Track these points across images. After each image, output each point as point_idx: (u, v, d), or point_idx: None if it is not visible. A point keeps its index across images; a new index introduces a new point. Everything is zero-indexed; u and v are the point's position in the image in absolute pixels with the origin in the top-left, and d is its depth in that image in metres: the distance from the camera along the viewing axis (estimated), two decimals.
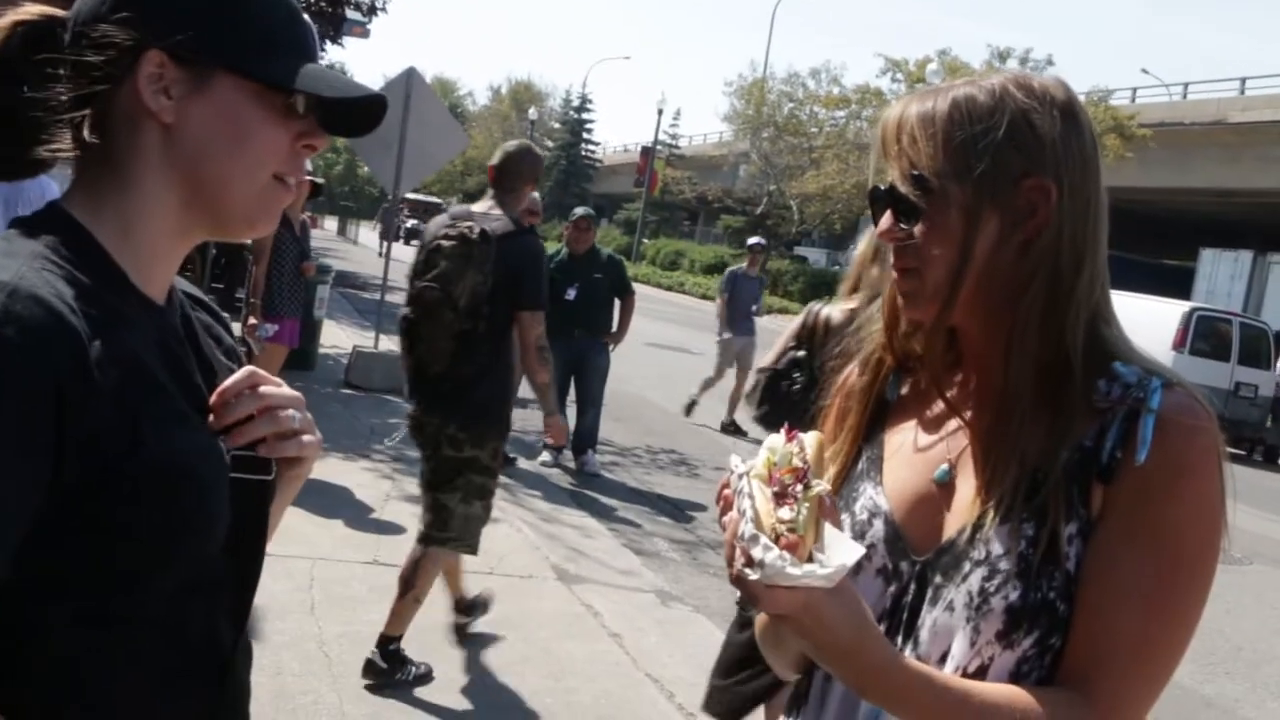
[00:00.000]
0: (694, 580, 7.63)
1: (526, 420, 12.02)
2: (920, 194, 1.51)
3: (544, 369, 5.38)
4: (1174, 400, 1.45)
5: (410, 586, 5.21)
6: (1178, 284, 30.13)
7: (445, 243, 5.14)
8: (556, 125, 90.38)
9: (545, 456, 10.63)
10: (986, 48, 43.14)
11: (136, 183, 1.39)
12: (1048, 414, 1.50)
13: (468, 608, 5.81)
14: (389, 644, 5.13)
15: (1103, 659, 1.41)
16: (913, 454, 1.64)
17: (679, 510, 9.66)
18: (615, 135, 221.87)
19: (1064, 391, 1.49)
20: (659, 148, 60.19)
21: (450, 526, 5.24)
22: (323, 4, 16.12)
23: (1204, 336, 21.24)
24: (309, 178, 7.71)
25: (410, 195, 60.90)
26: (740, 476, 1.40)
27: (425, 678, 5.17)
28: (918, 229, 1.52)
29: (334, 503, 7.44)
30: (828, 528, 1.38)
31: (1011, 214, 1.50)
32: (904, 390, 1.71)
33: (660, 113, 55.86)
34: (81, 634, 1.28)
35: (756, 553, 1.30)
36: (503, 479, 9.27)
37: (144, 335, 1.35)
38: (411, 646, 5.27)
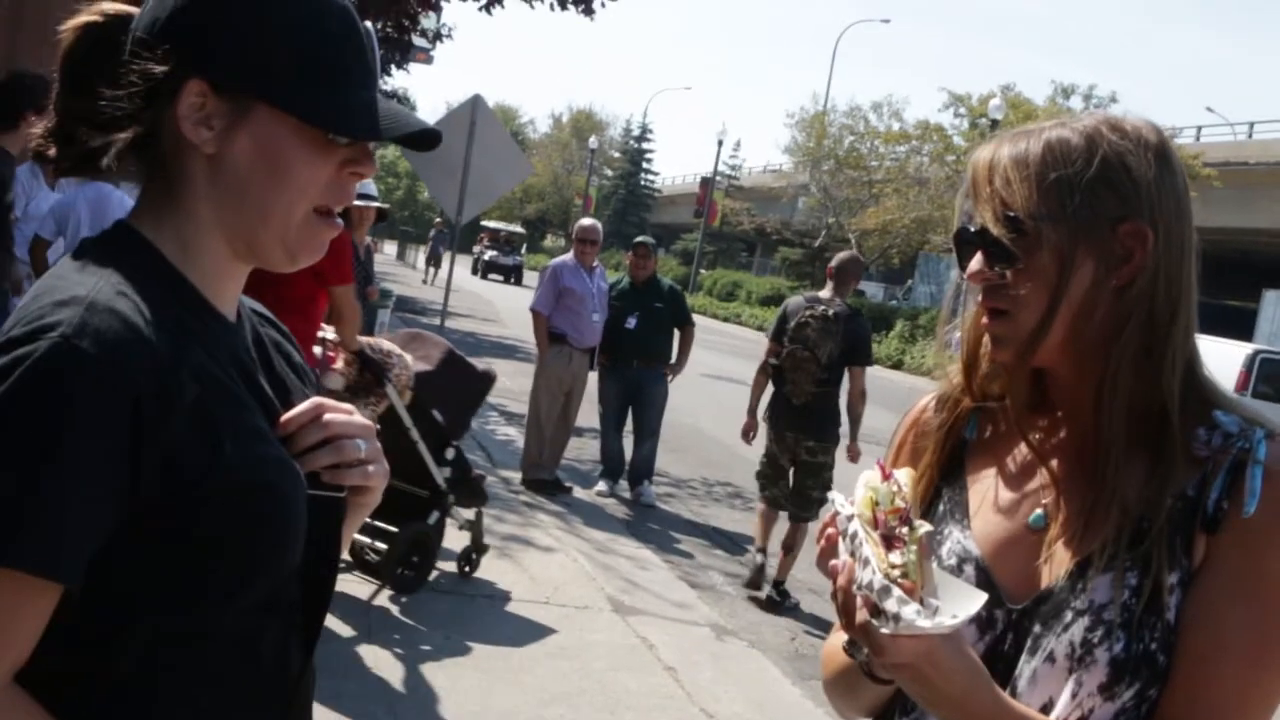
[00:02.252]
0: (749, 615, 7.59)
1: (582, 449, 12.05)
2: (1014, 236, 1.50)
3: (864, 406, 8.22)
4: (1279, 451, 1.45)
5: (791, 548, 8.02)
6: (1240, 325, 29.72)
7: (812, 320, 7.98)
8: (616, 154, 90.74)
9: (601, 486, 10.63)
10: (1051, 83, 42.81)
11: (189, 208, 1.39)
12: (1144, 461, 1.49)
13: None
14: (779, 585, 7.93)
15: (1201, 712, 1.41)
16: (1001, 498, 1.61)
17: (734, 543, 9.61)
18: (675, 165, 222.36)
19: (1162, 439, 1.48)
20: (718, 178, 60.20)
21: (810, 508, 8.03)
22: (389, 30, 16.28)
23: (1267, 379, 20.92)
24: (375, 204, 7.75)
25: (490, 224, 58.75)
26: (849, 519, 1.39)
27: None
28: (1010, 271, 1.51)
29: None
30: (934, 569, 1.39)
31: (1107, 258, 1.49)
32: (984, 431, 1.69)
33: (720, 143, 55.86)
34: (160, 650, 1.29)
35: (890, 605, 1.30)
36: (558, 508, 9.32)
37: (219, 350, 1.36)
38: (468, 675, 5.27)
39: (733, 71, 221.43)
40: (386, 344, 6.55)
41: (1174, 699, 1.43)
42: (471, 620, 6.30)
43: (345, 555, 6.86)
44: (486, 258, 54.98)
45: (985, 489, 1.64)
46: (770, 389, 8.34)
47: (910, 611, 1.29)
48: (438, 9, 16.71)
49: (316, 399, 1.48)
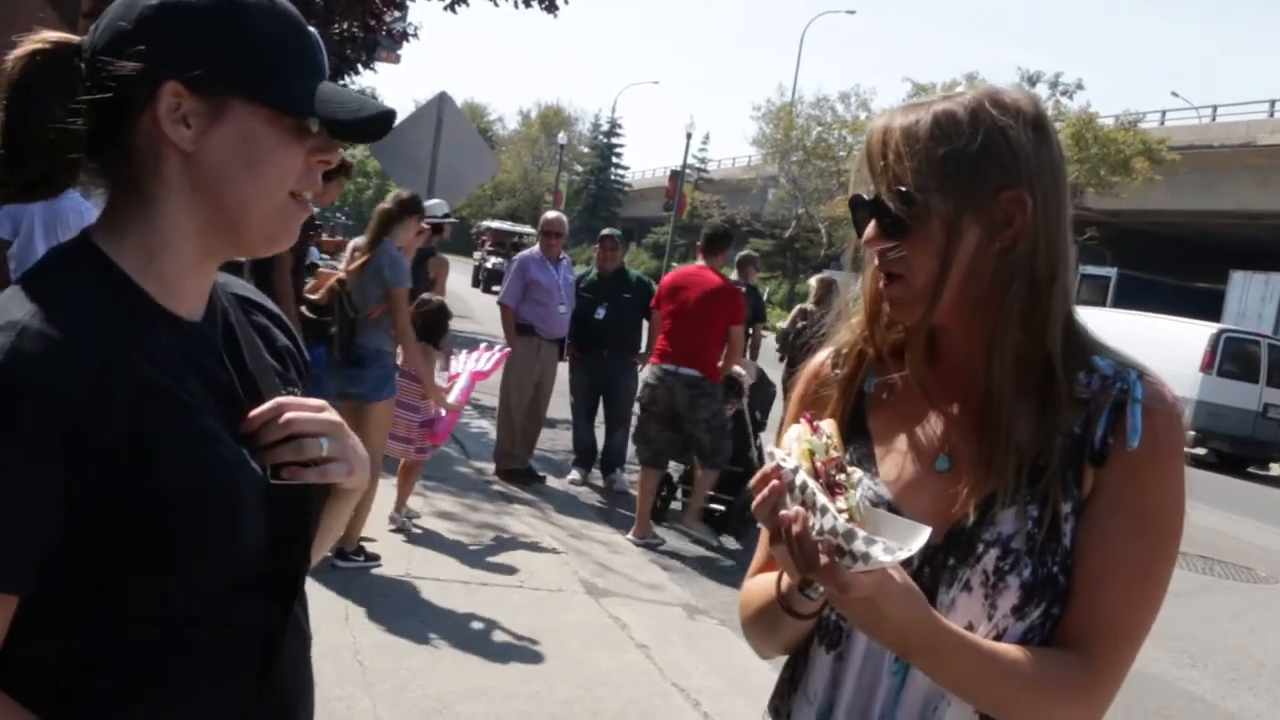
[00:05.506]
0: (719, 594, 7.72)
1: (555, 440, 12.16)
2: (905, 208, 1.63)
3: None
4: (1152, 390, 1.64)
5: None
6: (1208, 307, 30.01)
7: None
8: (586, 150, 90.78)
9: (574, 475, 10.75)
10: (1016, 71, 42.98)
11: (160, 209, 1.45)
12: (1033, 406, 1.65)
13: None
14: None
15: (1100, 622, 1.60)
16: (905, 445, 1.75)
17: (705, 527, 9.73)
18: (644, 159, 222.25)
19: (1048, 385, 1.64)
20: (688, 171, 60.19)
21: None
22: (354, 29, 16.29)
23: (1232, 358, 21.17)
24: (442, 219, 7.95)
25: (494, 224, 54.06)
26: (794, 470, 1.50)
27: None
28: (902, 240, 1.65)
29: (369, 520, 7.56)
30: (867, 508, 1.53)
31: (990, 224, 1.63)
32: (881, 384, 1.81)
33: (689, 137, 55.85)
34: (129, 631, 1.38)
35: (859, 546, 1.42)
36: (531, 497, 9.44)
37: (166, 356, 1.41)
38: (445, 657, 5.40)
39: (700, 65, 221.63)
40: (737, 367, 9.19)
41: (1074, 613, 1.61)
42: (447, 603, 6.42)
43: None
44: (490, 265, 44.77)
45: (889, 438, 1.77)
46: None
47: (877, 550, 1.41)
48: (403, 8, 16.73)
49: (281, 399, 1.53)
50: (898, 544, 1.44)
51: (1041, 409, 1.64)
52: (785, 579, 1.64)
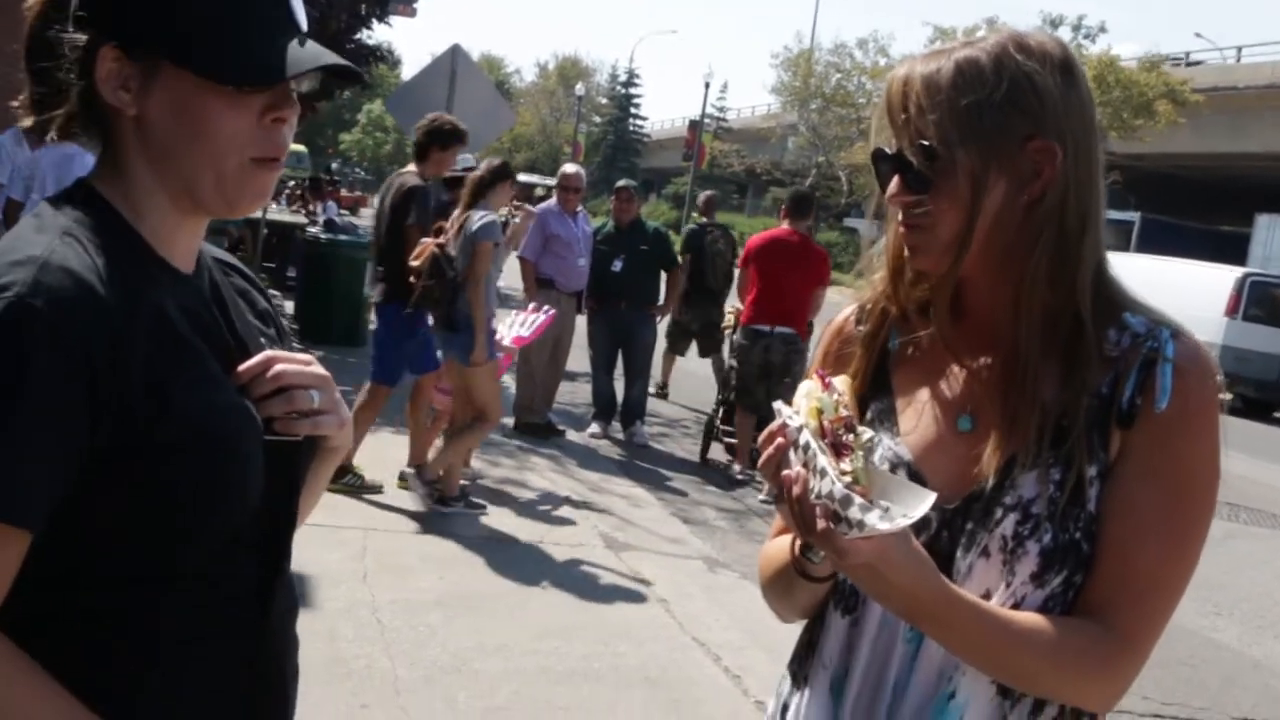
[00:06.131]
0: (740, 547, 7.70)
1: (575, 393, 12.13)
2: (929, 163, 1.56)
3: None
4: (1185, 349, 1.55)
5: None
6: (1233, 250, 29.73)
7: None
8: (604, 101, 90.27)
9: (594, 428, 10.73)
10: (1039, 15, 42.46)
11: (130, 169, 1.45)
12: (1059, 363, 1.57)
13: None
14: None
15: (1126, 590, 1.52)
16: (927, 404, 1.68)
17: (726, 480, 9.72)
18: (663, 110, 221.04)
19: (1076, 342, 1.56)
20: (707, 121, 59.99)
21: None
22: None
23: (1257, 302, 20.98)
24: (463, 172, 8.08)
25: (523, 177, 54.08)
26: (799, 429, 1.44)
27: None
28: (926, 194, 1.57)
29: (387, 475, 7.56)
30: (878, 470, 1.47)
31: (1018, 176, 1.55)
32: (906, 341, 1.74)
33: (707, 86, 55.76)
34: (128, 587, 1.38)
35: (854, 513, 1.37)
36: (552, 451, 9.42)
37: (172, 301, 1.42)
38: (463, 613, 5.39)
39: (718, 13, 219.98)
40: None
41: (1098, 581, 1.53)
42: (466, 561, 6.40)
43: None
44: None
45: (911, 396, 1.71)
46: None
47: (874, 517, 1.36)
48: None
49: (269, 352, 1.53)
50: (901, 509, 1.39)
51: (1069, 367, 1.56)
52: (798, 540, 1.59)
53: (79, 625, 1.37)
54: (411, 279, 7.11)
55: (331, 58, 1.47)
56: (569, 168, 10.93)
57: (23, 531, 1.28)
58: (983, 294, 1.64)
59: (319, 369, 1.56)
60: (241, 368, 1.49)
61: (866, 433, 1.49)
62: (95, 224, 1.40)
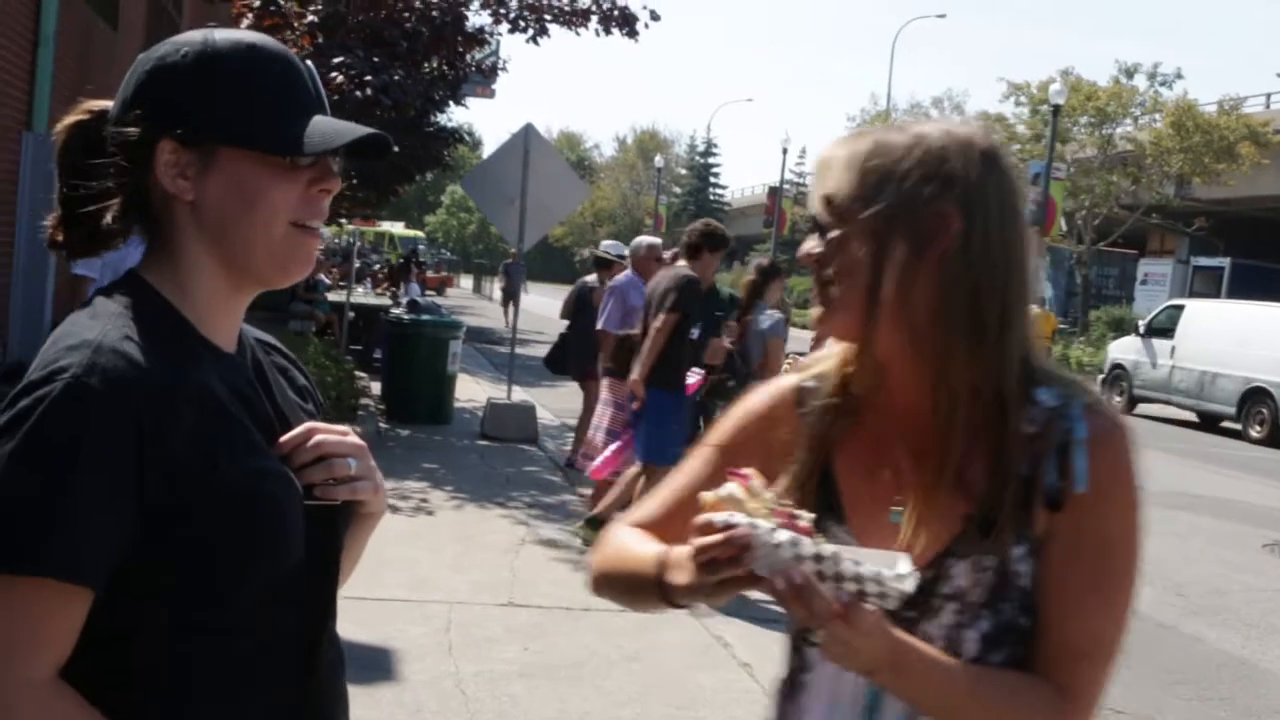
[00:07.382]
0: None
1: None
2: (832, 218, 1.64)
3: None
4: (1097, 425, 1.61)
5: None
6: None
7: None
8: (683, 171, 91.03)
9: None
10: (1114, 63, 42.13)
11: (182, 253, 1.59)
12: (985, 449, 1.61)
13: None
14: None
15: (1070, 657, 1.60)
16: (866, 493, 1.70)
17: None
18: (742, 177, 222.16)
19: (1001, 427, 1.61)
20: (786, 187, 60.13)
21: None
22: (443, 68, 16.49)
23: None
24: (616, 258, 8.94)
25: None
26: (771, 530, 1.43)
27: None
28: (831, 247, 1.65)
29: (471, 549, 7.67)
30: (835, 544, 1.49)
31: (916, 236, 1.59)
32: (849, 427, 1.74)
33: (785, 151, 55.93)
34: (174, 640, 1.48)
35: (871, 588, 1.42)
36: None
37: (216, 377, 1.54)
38: (545, 683, 5.44)
39: (793, 78, 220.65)
40: None
41: (1043, 650, 1.60)
42: (548, 631, 6.47)
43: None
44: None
45: (854, 484, 1.72)
46: None
47: (907, 584, 1.42)
48: (485, 44, 16.87)
49: (310, 423, 1.65)
50: (892, 569, 1.44)
51: (995, 455, 1.60)
52: (677, 576, 1.57)
53: (126, 681, 1.47)
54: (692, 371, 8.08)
55: (365, 130, 1.61)
56: (644, 239, 11.03)
57: (87, 589, 1.40)
58: (904, 378, 1.67)
59: (355, 439, 1.67)
60: (284, 438, 1.60)
61: (807, 515, 1.50)
62: (143, 309, 1.54)
